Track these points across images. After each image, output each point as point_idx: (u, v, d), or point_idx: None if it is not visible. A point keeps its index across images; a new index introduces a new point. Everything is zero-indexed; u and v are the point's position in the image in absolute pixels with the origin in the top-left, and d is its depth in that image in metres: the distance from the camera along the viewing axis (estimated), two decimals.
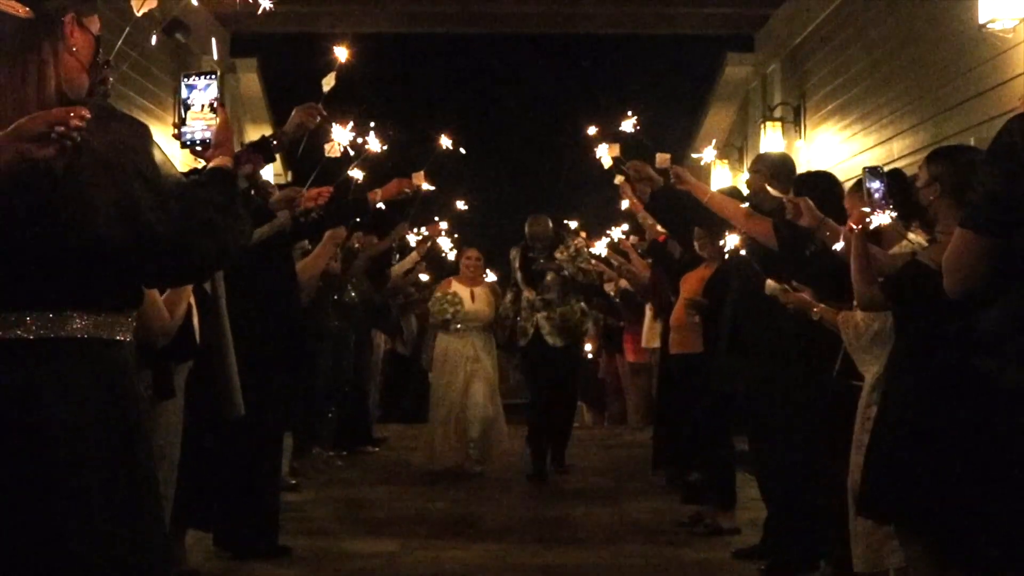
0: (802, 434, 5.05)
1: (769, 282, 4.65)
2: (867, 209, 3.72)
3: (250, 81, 12.14)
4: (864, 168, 3.88)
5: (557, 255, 8.61)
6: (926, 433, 3.42)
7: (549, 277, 8.57)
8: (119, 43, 3.07)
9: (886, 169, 3.98)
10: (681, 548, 6.13)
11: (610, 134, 5.62)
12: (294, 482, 7.71)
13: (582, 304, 8.76)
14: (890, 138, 8.54)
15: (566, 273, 8.55)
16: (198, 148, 2.55)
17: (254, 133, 12.49)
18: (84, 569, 2.21)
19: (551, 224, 8.79)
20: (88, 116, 2.12)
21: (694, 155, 5.77)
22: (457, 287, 8.96)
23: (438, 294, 8.96)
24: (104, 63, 2.57)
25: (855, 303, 4.37)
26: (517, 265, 8.75)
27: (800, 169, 5.99)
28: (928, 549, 3.47)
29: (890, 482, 3.55)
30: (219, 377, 4.73)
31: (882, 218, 3.67)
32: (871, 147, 8.87)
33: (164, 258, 2.34)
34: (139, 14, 3.00)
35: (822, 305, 4.57)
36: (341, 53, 4.74)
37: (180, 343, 4.33)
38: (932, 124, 7.75)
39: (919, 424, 3.46)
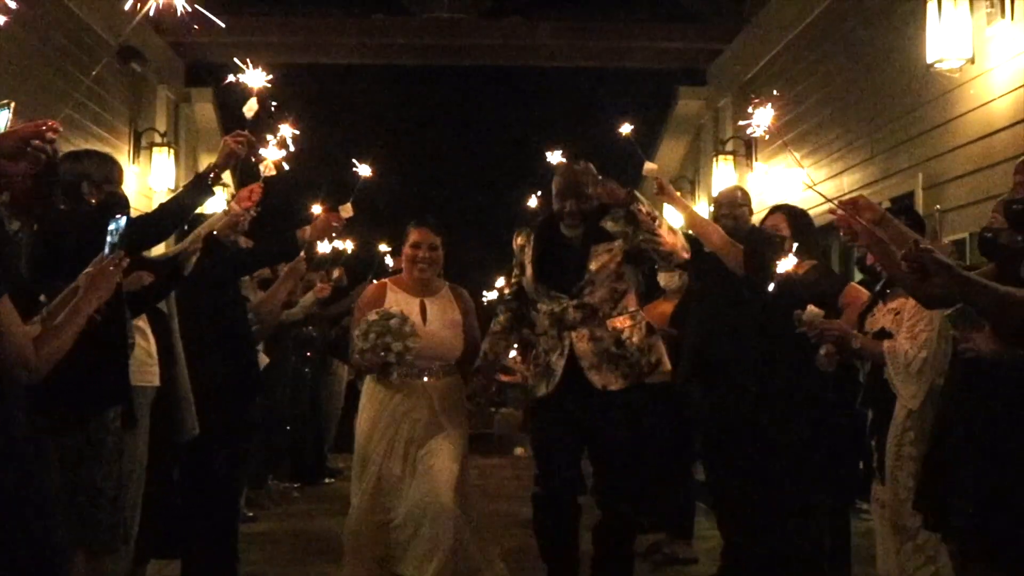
0: (764, 461, 5.13)
1: (810, 307, 4.42)
2: None
3: (206, 110, 12.13)
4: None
5: (607, 226, 4.90)
6: (990, 449, 3.43)
7: (595, 264, 4.83)
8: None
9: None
10: None
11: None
12: (251, 514, 7.67)
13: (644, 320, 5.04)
14: (840, 172, 8.73)
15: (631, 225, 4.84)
16: None
17: (209, 162, 12.47)
18: None
19: (595, 173, 4.97)
20: (59, 129, 2.14)
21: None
22: (397, 297, 5.15)
23: (370, 316, 4.93)
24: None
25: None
26: (528, 256, 4.99)
27: (752, 202, 6.13)
28: (989, 566, 3.48)
29: (954, 498, 3.51)
30: (171, 397, 4.71)
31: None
32: (822, 181, 9.04)
33: None
34: None
35: (862, 336, 4.49)
36: (257, 78, 4.74)
37: (111, 383, 4.04)
38: (882, 159, 7.95)
39: (983, 440, 3.46)
